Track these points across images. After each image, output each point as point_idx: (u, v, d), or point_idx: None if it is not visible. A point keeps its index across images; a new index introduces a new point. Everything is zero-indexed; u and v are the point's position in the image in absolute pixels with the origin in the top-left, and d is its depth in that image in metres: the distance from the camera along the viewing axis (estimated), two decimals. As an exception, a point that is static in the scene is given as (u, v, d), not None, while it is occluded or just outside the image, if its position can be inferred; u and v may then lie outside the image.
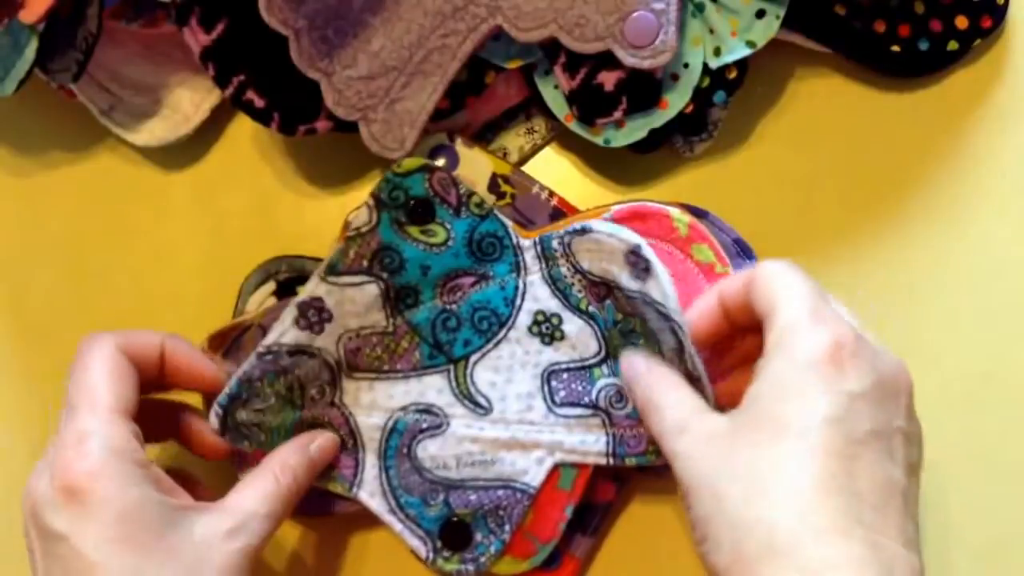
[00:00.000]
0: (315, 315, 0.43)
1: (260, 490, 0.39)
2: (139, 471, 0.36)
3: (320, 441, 0.42)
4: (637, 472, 0.45)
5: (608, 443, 0.42)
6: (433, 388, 0.43)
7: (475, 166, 0.45)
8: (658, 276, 0.39)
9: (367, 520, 0.44)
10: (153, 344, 0.40)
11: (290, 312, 0.42)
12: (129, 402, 0.38)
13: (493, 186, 0.45)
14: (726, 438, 0.34)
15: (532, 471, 0.42)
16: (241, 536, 0.37)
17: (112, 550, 0.34)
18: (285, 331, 0.42)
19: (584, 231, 0.42)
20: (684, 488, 0.35)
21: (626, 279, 0.41)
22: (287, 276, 0.46)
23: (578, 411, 0.43)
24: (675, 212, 0.43)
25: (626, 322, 0.42)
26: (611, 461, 0.42)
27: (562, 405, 0.43)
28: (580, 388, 0.43)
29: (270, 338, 0.42)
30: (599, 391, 0.43)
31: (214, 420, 0.42)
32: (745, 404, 0.35)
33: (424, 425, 0.43)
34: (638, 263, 0.40)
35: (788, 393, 0.33)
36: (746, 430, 0.34)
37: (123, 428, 0.37)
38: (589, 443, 0.42)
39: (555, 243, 0.43)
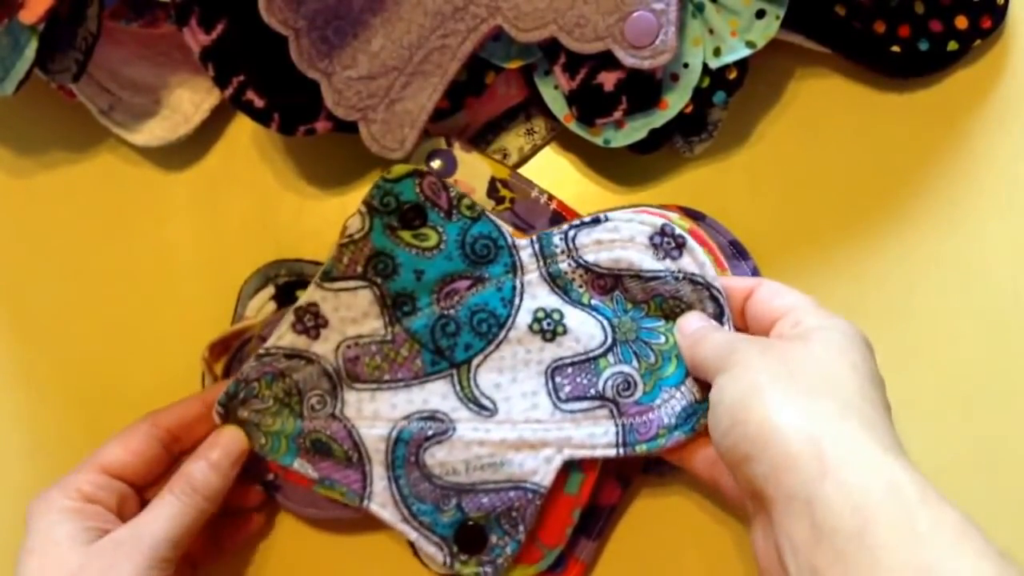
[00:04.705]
0: (311, 320, 0.43)
1: (163, 512, 0.40)
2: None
3: (222, 441, 0.42)
4: (640, 474, 0.45)
5: (617, 433, 0.42)
6: (437, 394, 0.43)
7: (473, 170, 0.45)
8: (692, 248, 0.42)
9: (369, 521, 0.44)
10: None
11: (287, 317, 0.43)
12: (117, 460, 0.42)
13: (492, 190, 0.45)
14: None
15: (542, 471, 0.42)
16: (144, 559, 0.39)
17: None
18: (282, 335, 0.43)
19: (599, 220, 0.42)
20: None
21: (649, 262, 0.42)
22: (286, 280, 0.46)
23: (584, 404, 0.43)
24: (675, 217, 0.43)
25: (637, 309, 0.43)
26: (621, 451, 0.42)
27: (568, 400, 0.43)
28: (586, 380, 0.43)
29: (268, 342, 0.43)
30: (606, 381, 0.43)
31: (217, 419, 0.43)
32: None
33: (430, 432, 0.43)
34: (665, 242, 0.42)
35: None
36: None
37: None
38: (598, 436, 0.42)
39: (556, 239, 0.43)
